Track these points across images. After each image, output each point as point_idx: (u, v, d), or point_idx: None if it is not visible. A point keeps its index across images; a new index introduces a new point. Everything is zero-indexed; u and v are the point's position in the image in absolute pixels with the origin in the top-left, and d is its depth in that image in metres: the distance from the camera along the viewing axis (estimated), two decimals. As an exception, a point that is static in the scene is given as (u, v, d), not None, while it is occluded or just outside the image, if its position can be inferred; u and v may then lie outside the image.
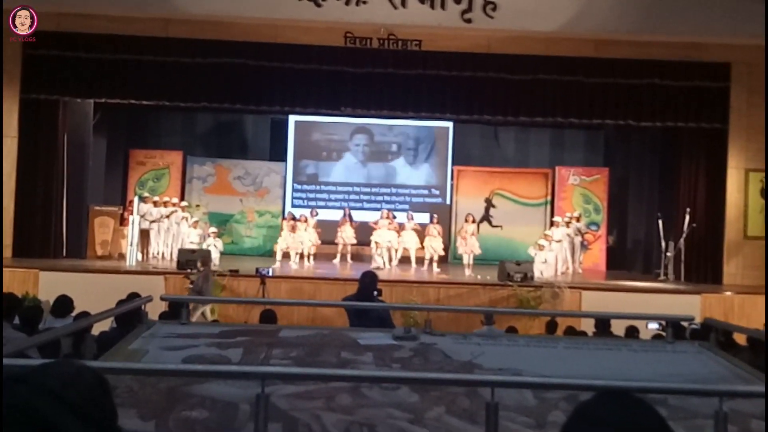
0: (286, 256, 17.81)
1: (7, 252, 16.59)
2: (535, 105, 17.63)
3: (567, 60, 17.15)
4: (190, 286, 13.83)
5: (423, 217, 19.81)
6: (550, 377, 4.61)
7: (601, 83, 17.28)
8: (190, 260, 15.75)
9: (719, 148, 17.42)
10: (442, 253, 18.16)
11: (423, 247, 18.05)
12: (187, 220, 18.40)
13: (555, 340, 7.15)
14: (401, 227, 18.18)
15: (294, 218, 18.50)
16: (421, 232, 18.23)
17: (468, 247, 17.68)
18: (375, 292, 8.22)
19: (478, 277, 16.50)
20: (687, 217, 17.18)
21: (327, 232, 18.67)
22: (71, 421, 0.77)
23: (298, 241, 17.89)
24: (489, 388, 3.64)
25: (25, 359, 3.80)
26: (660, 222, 17.74)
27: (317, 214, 18.93)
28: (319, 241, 18.24)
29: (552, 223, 18.95)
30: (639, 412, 1.42)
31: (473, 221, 18.23)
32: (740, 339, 8.39)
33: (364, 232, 18.60)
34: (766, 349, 3.61)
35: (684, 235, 17.16)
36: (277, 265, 17.11)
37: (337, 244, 18.75)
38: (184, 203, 19.45)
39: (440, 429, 4.00)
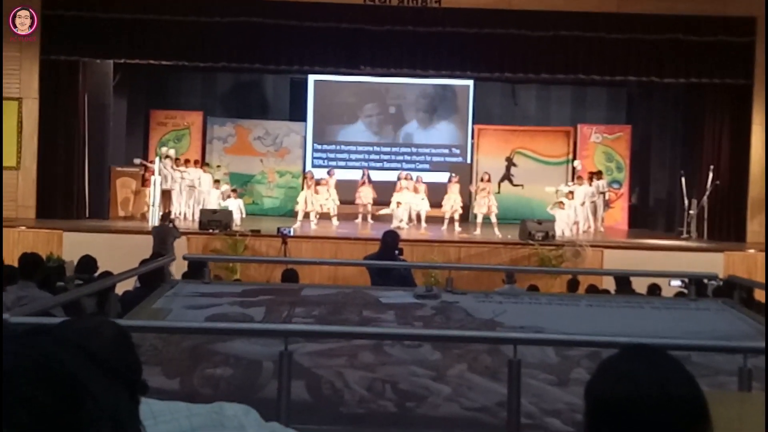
0: (306, 216, 17.83)
1: (31, 213, 16.74)
2: (557, 62, 17.43)
3: (589, 15, 16.91)
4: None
5: (443, 177, 19.72)
6: (572, 335, 4.60)
7: (623, 39, 17.03)
8: (211, 220, 15.84)
9: (743, 105, 17.18)
10: (461, 209, 18.01)
11: (441, 206, 17.95)
12: (209, 180, 18.47)
13: (577, 299, 7.14)
14: (415, 189, 18.10)
15: (313, 177, 18.49)
16: (440, 190, 18.15)
17: (485, 206, 17.49)
18: (396, 251, 8.23)
19: (499, 235, 16.47)
20: (710, 175, 17.01)
21: (346, 192, 18.64)
22: (94, 373, 0.77)
23: (320, 201, 17.89)
24: (511, 345, 3.64)
25: (49, 317, 3.84)
26: (683, 179, 17.58)
27: (334, 174, 18.89)
28: (338, 202, 18.20)
29: (574, 179, 18.73)
30: (666, 366, 1.40)
31: (488, 180, 18.08)
32: (763, 296, 8.33)
33: (382, 193, 18.56)
34: (766, 306, 3.58)
35: (707, 193, 17.00)
36: (298, 224, 17.15)
37: (356, 204, 18.73)
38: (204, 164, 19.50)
39: (462, 386, 4.01)
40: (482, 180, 18.02)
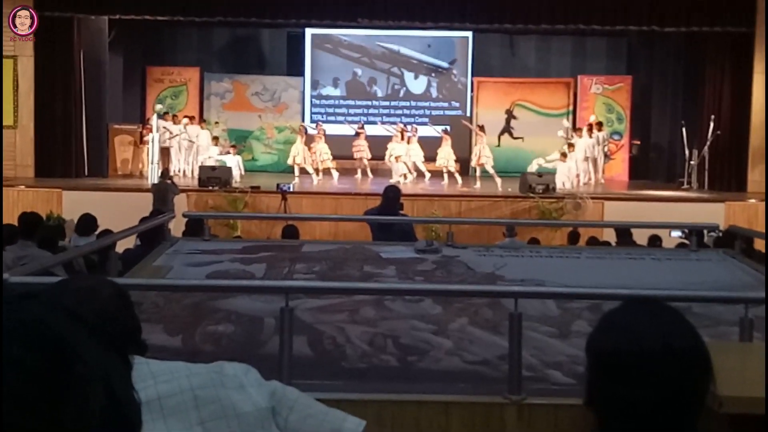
0: (302, 170, 17.76)
1: (29, 172, 16.69)
2: (556, 12, 17.24)
3: (589, -36, 16.70)
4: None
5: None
6: (573, 287, 4.61)
7: (624, -12, 16.84)
8: (211, 177, 15.80)
9: (744, 53, 17.03)
10: (454, 163, 17.94)
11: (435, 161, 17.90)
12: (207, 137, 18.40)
13: (577, 251, 7.15)
14: (409, 140, 18.02)
15: (306, 131, 18.39)
16: (435, 144, 18.08)
17: (476, 157, 17.42)
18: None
19: (500, 188, 16.44)
20: (711, 125, 16.94)
21: (343, 147, 18.57)
22: (85, 337, 0.75)
23: (317, 154, 17.81)
24: (512, 298, 3.64)
25: (50, 277, 3.83)
26: (684, 130, 17.51)
27: (322, 126, 18.79)
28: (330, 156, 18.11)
29: (575, 132, 18.64)
30: (667, 318, 1.40)
31: (481, 130, 17.94)
32: (764, 246, 8.33)
33: (378, 147, 18.48)
34: (766, 306, 3.58)
35: (708, 143, 16.94)
36: (297, 180, 17.09)
37: (354, 159, 18.67)
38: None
39: (463, 340, 4.02)
40: (476, 132, 17.90)
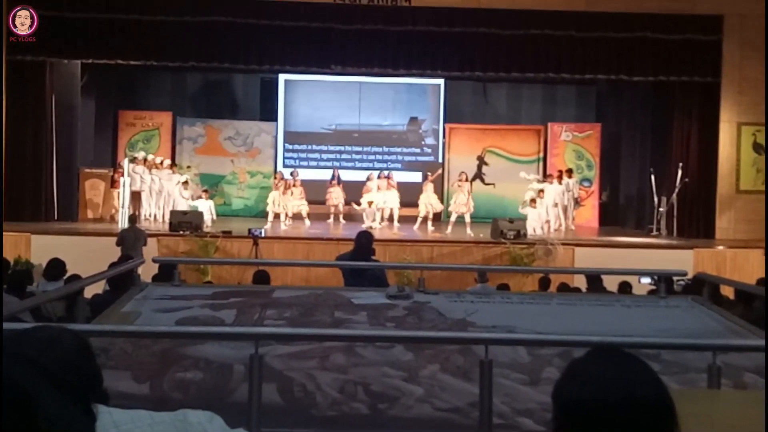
0: (277, 216, 17.77)
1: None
2: (527, 60, 17.51)
3: (558, 14, 17.01)
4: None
5: (415, 176, 19.77)
6: (544, 334, 4.62)
7: (592, 37, 17.16)
8: (182, 222, 15.72)
9: (711, 102, 17.36)
10: (440, 208, 18.07)
11: (416, 206, 17.94)
12: (178, 181, 18.33)
13: (548, 297, 7.17)
14: (388, 186, 18.06)
15: (283, 177, 18.44)
16: (412, 190, 18.15)
17: (462, 205, 17.46)
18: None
19: (471, 234, 16.50)
20: (680, 172, 17.18)
21: (317, 192, 18.61)
22: (46, 389, 0.75)
23: (291, 202, 17.85)
24: (483, 345, 3.64)
25: (16, 323, 3.78)
26: (652, 177, 17.73)
27: (298, 174, 18.85)
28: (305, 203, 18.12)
29: (545, 178, 18.83)
30: (631, 368, 1.41)
31: (467, 179, 18.11)
32: (731, 293, 8.42)
33: (354, 193, 18.54)
34: (766, 307, 3.61)
35: (676, 190, 17.17)
36: (269, 225, 17.08)
37: (327, 204, 18.70)
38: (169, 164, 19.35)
39: (435, 386, 4.01)
40: (460, 180, 17.88)
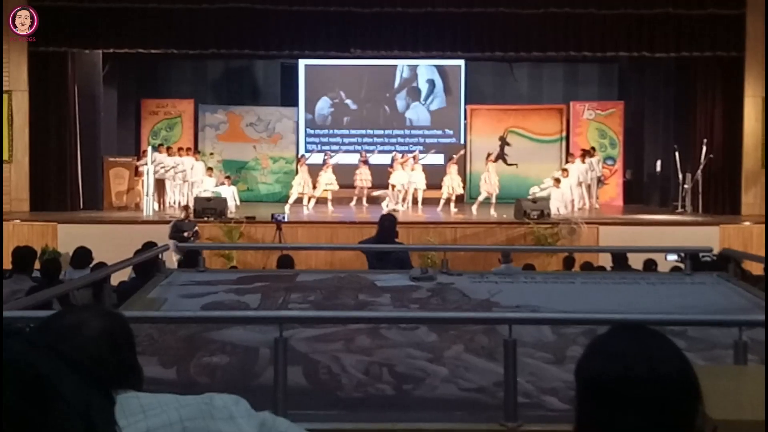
0: (299, 200, 17.70)
1: (24, 206, 16.69)
2: (547, 39, 17.37)
3: (578, -9, 16.84)
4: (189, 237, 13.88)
5: (438, 158, 19.72)
6: (568, 313, 4.61)
7: (613, 14, 16.97)
8: (206, 208, 15.81)
9: (735, 77, 17.15)
10: (461, 191, 18.04)
11: (439, 188, 17.89)
12: (203, 168, 18.43)
13: (572, 276, 7.15)
14: (412, 168, 18.01)
15: (306, 161, 18.36)
16: (435, 172, 18.09)
17: (490, 185, 17.40)
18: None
19: (494, 215, 16.46)
20: (704, 148, 17.01)
21: (340, 175, 18.60)
22: (66, 375, 0.76)
23: (324, 177, 17.72)
24: (506, 325, 3.64)
25: (43, 311, 3.83)
26: (677, 154, 17.58)
27: (331, 157, 18.75)
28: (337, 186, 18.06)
29: (567, 159, 18.78)
30: (654, 344, 1.40)
31: (494, 160, 18.03)
32: (759, 269, 8.35)
33: (379, 175, 18.50)
34: (766, 285, 3.59)
35: (701, 167, 17.01)
36: (287, 208, 16.95)
37: (354, 187, 18.59)
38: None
39: (459, 367, 4.01)
40: (489, 160, 17.81)
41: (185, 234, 13.48)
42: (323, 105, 21.85)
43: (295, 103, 21.75)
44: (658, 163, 19.54)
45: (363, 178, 18.54)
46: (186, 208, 15.16)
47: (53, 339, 1.59)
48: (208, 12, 16.96)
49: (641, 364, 1.35)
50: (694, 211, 17.07)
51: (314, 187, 17.76)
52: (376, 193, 18.19)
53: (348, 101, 21.88)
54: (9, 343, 0.75)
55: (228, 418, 1.62)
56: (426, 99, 21.95)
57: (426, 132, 21.84)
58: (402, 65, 21.52)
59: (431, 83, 21.92)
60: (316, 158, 19.32)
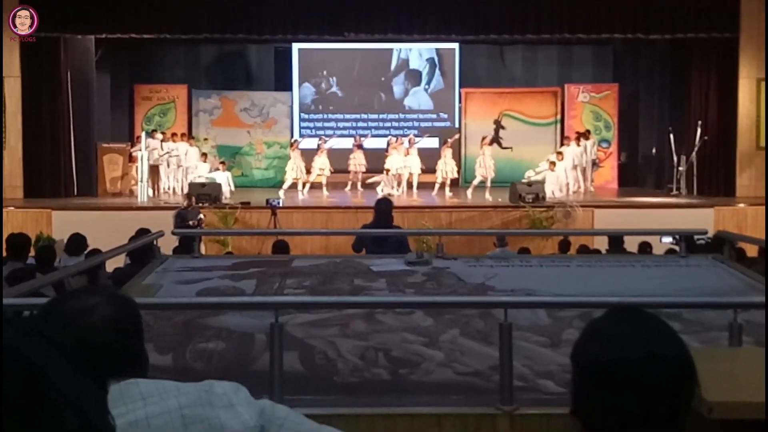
0: (293, 185, 17.65)
1: (18, 193, 16.63)
2: (542, 21, 17.31)
3: (572, -27, 16.79)
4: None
5: (432, 142, 19.68)
6: (563, 296, 4.61)
7: (607, -4, 16.94)
8: (201, 194, 15.77)
9: (730, 59, 17.11)
10: (456, 175, 18.02)
11: (434, 172, 17.84)
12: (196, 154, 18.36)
13: (568, 259, 7.16)
14: (407, 152, 17.96)
15: (298, 145, 18.27)
16: (430, 156, 18.05)
17: (485, 169, 17.36)
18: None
19: (489, 199, 16.46)
20: (699, 130, 17.01)
21: (335, 160, 18.54)
22: (60, 363, 0.75)
23: (318, 161, 17.67)
24: (502, 309, 3.65)
25: (39, 297, 3.82)
26: (671, 136, 17.57)
27: (325, 142, 18.68)
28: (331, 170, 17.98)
29: (562, 142, 18.76)
30: (650, 327, 1.40)
31: (489, 143, 18.00)
32: (754, 251, 8.37)
33: (374, 160, 18.45)
34: (766, 269, 3.59)
35: (696, 149, 17.01)
36: (282, 193, 16.90)
37: (349, 171, 18.52)
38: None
39: (455, 351, 4.02)
40: (485, 144, 17.78)
41: (190, 223, 13.42)
42: (317, 89, 21.78)
43: (289, 88, 21.68)
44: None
45: (357, 162, 18.47)
46: (189, 196, 15.04)
47: (55, 325, 1.58)
48: (200, -4, 16.86)
49: (638, 347, 1.35)
50: (689, 193, 17.09)
51: (308, 172, 17.72)
52: (370, 180, 18.11)
53: (341, 85, 21.79)
54: (1, 331, 0.74)
55: (227, 406, 1.62)
56: (420, 83, 21.90)
57: (420, 116, 21.80)
58: (397, 49, 21.44)
59: (425, 66, 21.86)
60: (311, 143, 19.27)
